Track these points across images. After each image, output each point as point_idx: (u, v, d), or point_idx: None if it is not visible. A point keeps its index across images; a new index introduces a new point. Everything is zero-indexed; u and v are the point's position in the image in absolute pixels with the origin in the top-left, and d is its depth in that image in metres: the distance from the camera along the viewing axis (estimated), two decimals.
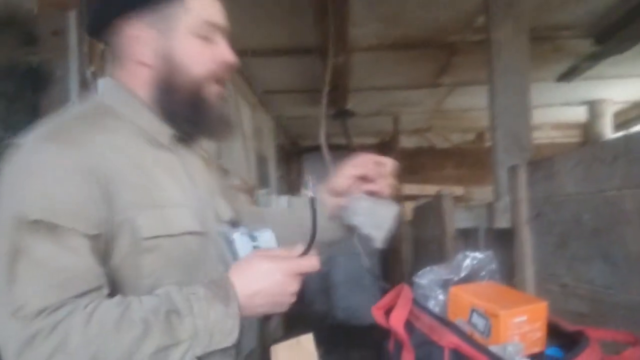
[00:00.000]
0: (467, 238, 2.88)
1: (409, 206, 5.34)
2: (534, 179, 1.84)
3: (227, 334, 0.87)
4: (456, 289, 1.04)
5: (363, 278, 7.33)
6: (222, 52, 1.07)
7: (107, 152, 0.92)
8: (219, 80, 1.07)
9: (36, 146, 0.89)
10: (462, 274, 1.11)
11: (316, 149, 3.52)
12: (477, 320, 0.98)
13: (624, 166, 1.30)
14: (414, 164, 7.19)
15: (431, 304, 1.07)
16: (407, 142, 7.19)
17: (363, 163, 1.19)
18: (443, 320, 0.95)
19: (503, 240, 2.20)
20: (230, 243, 1.01)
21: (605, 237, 1.40)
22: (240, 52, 3.28)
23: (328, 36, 3.05)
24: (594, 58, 3.82)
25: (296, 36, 3.53)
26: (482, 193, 6.09)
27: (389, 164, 1.20)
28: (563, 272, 1.63)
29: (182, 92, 1.02)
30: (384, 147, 7.41)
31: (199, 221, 1.02)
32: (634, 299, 1.32)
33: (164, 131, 1.04)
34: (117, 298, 0.85)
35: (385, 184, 1.18)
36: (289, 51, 3.81)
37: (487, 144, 6.87)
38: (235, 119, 3.92)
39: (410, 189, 6.68)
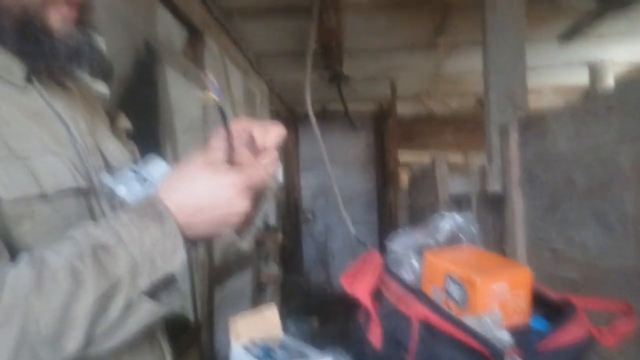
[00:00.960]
0: (461, 204, 2.79)
1: (406, 174, 5.27)
2: (526, 138, 1.74)
3: (170, 255, 0.74)
4: (430, 253, 0.94)
5: (360, 247, 7.30)
6: None
7: None
8: (65, 1, 0.83)
9: None
10: (440, 238, 1.02)
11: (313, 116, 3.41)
12: (452, 288, 0.88)
13: (619, 118, 1.19)
14: (412, 131, 7.09)
15: (404, 271, 0.97)
16: (404, 107, 7.06)
17: (234, 132, 0.89)
18: (411, 289, 0.86)
19: (496, 206, 2.11)
20: (117, 196, 0.85)
21: (599, 197, 1.30)
22: (226, 12, 3.14)
23: None
24: (596, 15, 3.66)
25: None
26: (483, 159, 6.01)
27: (267, 135, 0.89)
28: (554, 237, 1.53)
29: (7, 14, 0.78)
30: (381, 113, 7.29)
31: (81, 174, 0.83)
32: (629, 264, 1.23)
33: (14, 66, 0.81)
34: (25, 257, 0.68)
35: (253, 161, 0.86)
36: (279, 10, 3.66)
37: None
38: (223, 82, 3.80)
39: (407, 156, 6.60)
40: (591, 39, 4.44)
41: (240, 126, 0.89)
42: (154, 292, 0.74)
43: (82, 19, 0.86)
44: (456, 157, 6.62)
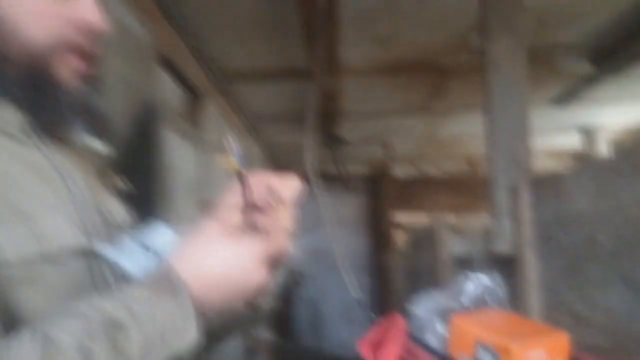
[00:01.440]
0: (463, 266, 2.72)
1: (402, 235, 5.20)
2: (539, 198, 1.69)
3: (181, 332, 0.67)
4: (458, 318, 0.87)
5: (353, 309, 7.14)
6: (80, 9, 0.77)
7: None
8: (75, 51, 0.78)
9: None
10: (465, 302, 0.95)
11: (307, 179, 3.37)
12: (484, 356, 0.81)
13: None
14: (406, 192, 7.08)
15: (429, 337, 0.90)
16: (399, 170, 7.08)
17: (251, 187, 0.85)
18: (444, 358, 0.78)
19: (502, 267, 2.04)
20: (114, 265, 0.77)
21: (626, 258, 1.24)
22: (225, 76, 3.17)
23: (317, 58, 2.93)
24: (591, 80, 3.71)
25: (285, 60, 3.43)
26: (477, 220, 5.98)
27: (284, 187, 0.85)
28: (575, 300, 1.46)
29: (15, 63, 0.73)
30: (376, 175, 7.30)
31: (82, 232, 0.76)
32: None
33: (14, 118, 0.75)
34: (27, 332, 0.60)
35: (276, 217, 0.82)
36: (277, 75, 3.70)
37: (481, 171, 6.78)
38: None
39: (402, 217, 6.57)
40: (585, 103, 4.49)
41: (258, 179, 0.84)
42: None
43: (90, 74, 0.82)
44: (451, 218, 6.59)
